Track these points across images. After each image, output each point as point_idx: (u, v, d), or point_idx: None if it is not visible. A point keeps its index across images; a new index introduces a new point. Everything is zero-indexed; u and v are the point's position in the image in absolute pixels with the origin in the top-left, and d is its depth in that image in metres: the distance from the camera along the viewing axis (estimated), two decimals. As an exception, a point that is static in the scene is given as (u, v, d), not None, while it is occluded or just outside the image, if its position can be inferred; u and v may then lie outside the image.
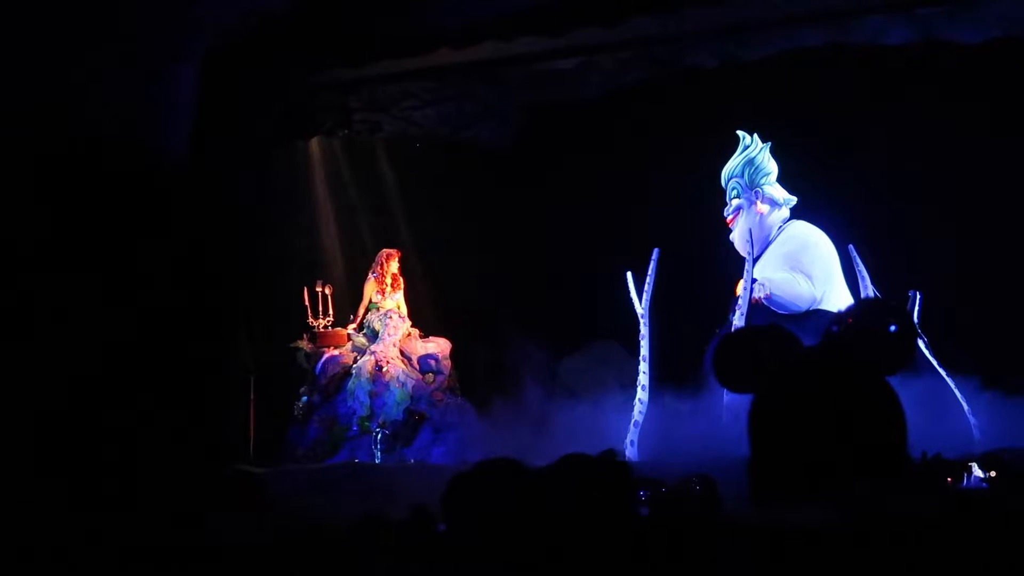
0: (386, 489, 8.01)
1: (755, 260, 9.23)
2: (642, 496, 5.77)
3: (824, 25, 9.14)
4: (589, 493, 2.86)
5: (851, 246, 9.19)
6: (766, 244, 9.58)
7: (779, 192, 9.72)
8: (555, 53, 9.53)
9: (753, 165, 9.75)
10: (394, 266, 10.94)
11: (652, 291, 9.23)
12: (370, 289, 10.92)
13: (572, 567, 2.71)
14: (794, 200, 9.72)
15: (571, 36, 9.02)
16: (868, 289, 9.06)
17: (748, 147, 9.81)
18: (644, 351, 9.25)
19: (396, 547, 3.56)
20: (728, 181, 9.84)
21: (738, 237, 9.71)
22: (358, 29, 8.77)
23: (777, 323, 8.67)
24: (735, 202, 9.76)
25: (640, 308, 9.27)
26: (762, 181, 9.73)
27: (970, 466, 5.92)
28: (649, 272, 9.25)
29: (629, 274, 9.39)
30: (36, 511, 5.50)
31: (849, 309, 2.72)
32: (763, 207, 9.66)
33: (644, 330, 9.30)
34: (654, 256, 9.23)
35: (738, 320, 9.04)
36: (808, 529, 2.36)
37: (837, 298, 9.23)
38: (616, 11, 8.76)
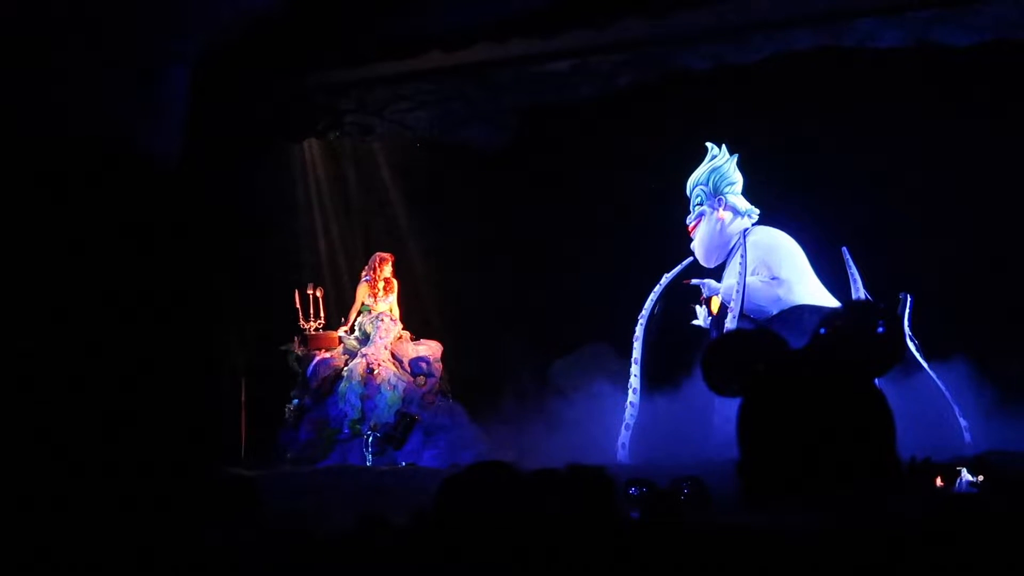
0: (377, 492, 8.01)
1: (724, 267, 9.37)
2: (633, 494, 5.78)
3: (816, 28, 9.16)
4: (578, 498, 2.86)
5: (845, 248, 9.21)
6: (728, 252, 9.62)
7: (742, 202, 9.78)
8: (547, 55, 9.53)
9: (719, 173, 9.82)
10: (387, 270, 10.89)
11: (660, 295, 9.34)
12: (362, 292, 10.90)
13: (563, 568, 2.71)
14: (756, 212, 9.75)
15: (563, 38, 9.02)
16: (860, 291, 9.07)
17: (715, 157, 9.88)
18: (637, 353, 9.29)
19: (390, 549, 3.56)
20: (693, 189, 9.91)
21: (698, 244, 9.77)
22: (350, 31, 8.77)
23: (765, 326, 8.76)
24: (698, 209, 9.82)
25: (642, 311, 9.39)
26: (726, 189, 9.78)
27: (958, 470, 5.93)
28: (667, 276, 9.39)
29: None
30: (24, 514, 5.48)
31: (837, 311, 2.73)
32: (725, 214, 9.71)
33: (639, 332, 9.33)
34: (683, 264, 9.44)
35: (730, 324, 9.06)
36: (797, 531, 2.36)
37: (811, 293, 9.27)
38: (608, 13, 8.77)
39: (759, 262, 9.42)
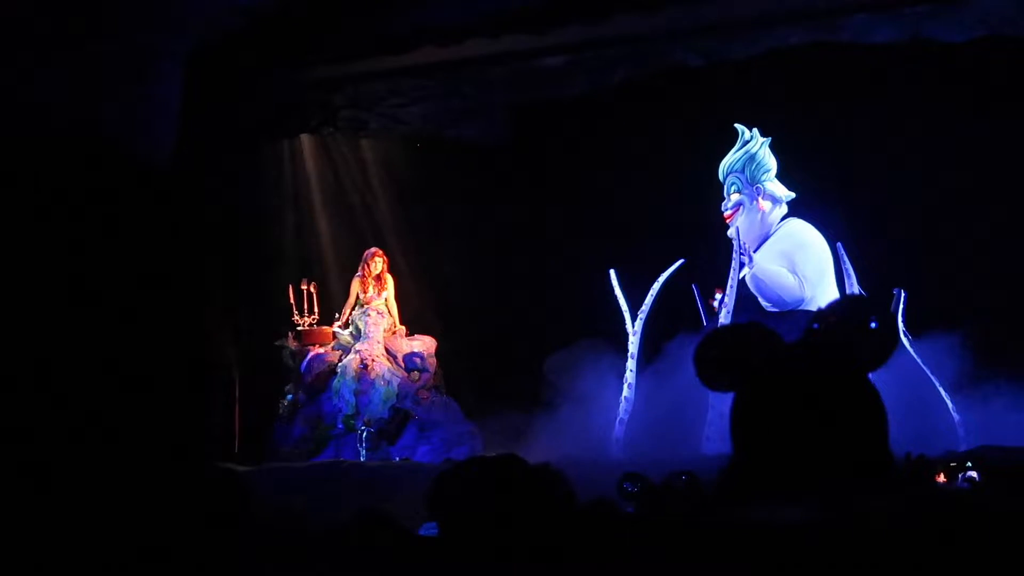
0: (371, 487, 8.01)
1: (751, 257, 9.23)
2: (628, 489, 5.79)
3: (810, 23, 9.16)
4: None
5: (839, 244, 9.20)
6: (764, 241, 9.54)
7: (779, 189, 9.58)
8: (541, 51, 9.52)
9: (755, 161, 9.57)
10: (377, 266, 10.75)
11: (658, 295, 9.31)
12: (355, 287, 10.86)
13: (559, 564, 2.71)
14: (792, 195, 9.62)
15: (557, 34, 9.01)
16: (853, 287, 9.07)
17: (748, 142, 9.62)
18: (633, 348, 9.27)
19: (384, 545, 3.54)
20: (727, 176, 9.65)
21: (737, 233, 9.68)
22: (343, 27, 8.76)
23: (759, 321, 8.75)
24: (735, 198, 9.58)
25: (642, 306, 9.35)
26: (763, 177, 9.54)
27: (953, 466, 5.94)
28: (663, 275, 9.33)
29: (613, 272, 9.45)
30: (11, 511, 5.46)
31: (831, 306, 2.72)
32: (765, 204, 9.52)
33: (638, 327, 9.31)
34: (676, 264, 9.36)
35: (724, 318, 9.05)
36: (790, 527, 2.36)
37: (826, 299, 9.21)
38: (602, 9, 8.76)
39: (782, 254, 9.34)
